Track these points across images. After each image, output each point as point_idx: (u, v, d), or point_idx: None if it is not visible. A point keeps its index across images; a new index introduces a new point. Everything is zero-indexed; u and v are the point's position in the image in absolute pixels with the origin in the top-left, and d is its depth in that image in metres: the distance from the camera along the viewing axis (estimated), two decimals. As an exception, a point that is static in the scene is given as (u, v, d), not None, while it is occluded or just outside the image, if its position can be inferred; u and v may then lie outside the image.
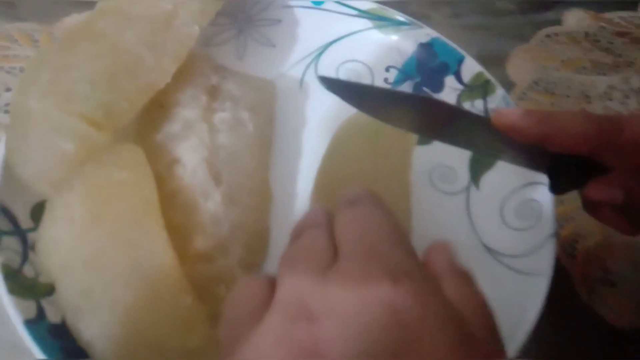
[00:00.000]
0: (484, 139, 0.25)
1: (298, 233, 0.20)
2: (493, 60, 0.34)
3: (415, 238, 0.29)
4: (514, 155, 0.25)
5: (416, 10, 0.43)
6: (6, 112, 0.37)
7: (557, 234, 0.29)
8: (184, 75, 0.28)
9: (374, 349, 0.15)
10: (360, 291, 0.16)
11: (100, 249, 0.23)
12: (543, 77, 0.40)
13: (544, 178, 0.30)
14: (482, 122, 0.24)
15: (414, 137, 0.28)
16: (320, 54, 0.35)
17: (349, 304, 0.15)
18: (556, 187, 0.25)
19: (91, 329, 0.23)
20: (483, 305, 0.18)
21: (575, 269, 0.32)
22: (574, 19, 0.43)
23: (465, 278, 0.19)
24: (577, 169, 0.24)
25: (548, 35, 0.42)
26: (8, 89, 0.37)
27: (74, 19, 0.42)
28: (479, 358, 0.16)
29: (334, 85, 0.27)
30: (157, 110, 0.28)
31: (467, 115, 0.26)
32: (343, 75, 0.35)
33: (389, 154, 0.27)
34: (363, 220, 0.18)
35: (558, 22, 0.43)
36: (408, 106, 0.25)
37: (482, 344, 0.16)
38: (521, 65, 0.40)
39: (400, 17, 0.35)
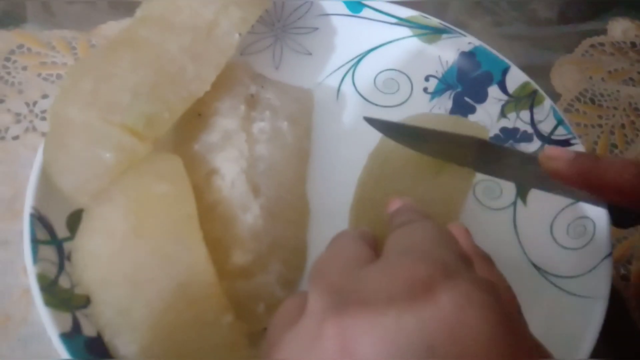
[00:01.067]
0: (537, 176, 0.24)
1: (330, 243, 0.20)
2: (536, 71, 0.33)
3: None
4: (569, 191, 0.24)
5: (454, 18, 0.42)
6: (43, 118, 0.37)
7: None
8: (222, 83, 0.28)
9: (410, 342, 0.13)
10: (397, 280, 0.15)
11: (140, 264, 0.23)
12: (589, 89, 0.39)
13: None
14: (532, 161, 0.24)
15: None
16: (357, 63, 0.34)
17: (382, 292, 0.14)
18: (619, 221, 0.24)
19: (130, 346, 0.22)
20: (509, 288, 0.19)
21: (629, 292, 0.30)
22: (620, 28, 0.42)
23: (489, 261, 0.20)
24: None
25: (593, 46, 0.41)
26: (45, 96, 0.38)
27: (110, 27, 0.42)
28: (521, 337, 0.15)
29: (380, 126, 0.27)
30: (195, 119, 0.28)
31: (519, 154, 0.25)
32: (381, 84, 0.34)
33: (441, 175, 0.26)
34: (411, 230, 0.18)
35: (603, 31, 0.42)
36: (458, 146, 0.25)
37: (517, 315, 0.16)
38: (566, 76, 0.39)
39: (442, 25, 0.34)
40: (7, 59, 0.39)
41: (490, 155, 0.25)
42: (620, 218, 0.24)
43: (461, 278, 0.14)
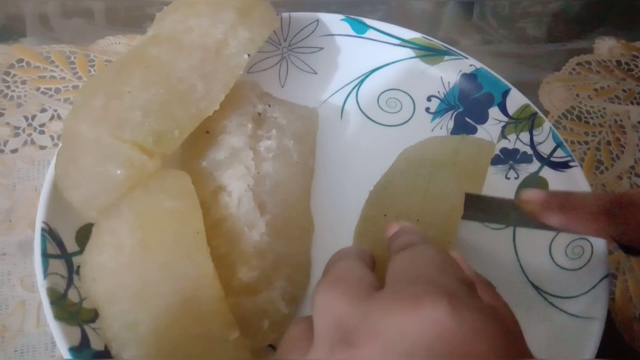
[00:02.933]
0: (522, 219, 0.27)
1: (330, 267, 0.21)
2: (525, 88, 0.35)
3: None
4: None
5: (445, 36, 0.45)
6: (41, 132, 0.39)
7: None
8: (230, 102, 0.30)
9: None
10: (406, 312, 0.15)
11: (148, 279, 0.24)
12: (576, 106, 0.41)
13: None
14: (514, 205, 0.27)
15: (465, 184, 0.29)
16: (361, 82, 0.37)
17: (393, 326, 0.15)
18: (627, 249, 0.25)
19: (136, 360, 0.24)
20: (511, 312, 0.20)
21: (615, 306, 0.33)
22: (606, 47, 0.45)
23: (490, 286, 0.21)
24: None
25: (580, 64, 0.44)
26: (43, 110, 0.40)
27: (108, 42, 0.45)
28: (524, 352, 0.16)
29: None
30: (203, 136, 0.30)
31: (505, 202, 0.28)
32: (384, 103, 0.37)
33: (439, 198, 0.28)
34: (413, 255, 0.19)
35: (590, 50, 0.45)
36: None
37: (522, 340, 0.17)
38: (554, 93, 0.42)
39: (444, 46, 0.36)
40: (7, 73, 0.41)
41: (477, 205, 0.28)
42: (627, 246, 0.25)
43: (466, 309, 0.15)
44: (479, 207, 0.28)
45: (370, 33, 0.37)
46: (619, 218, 0.23)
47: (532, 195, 0.26)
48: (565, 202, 0.25)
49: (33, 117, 0.39)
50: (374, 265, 0.23)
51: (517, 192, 0.27)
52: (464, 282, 0.18)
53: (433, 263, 0.18)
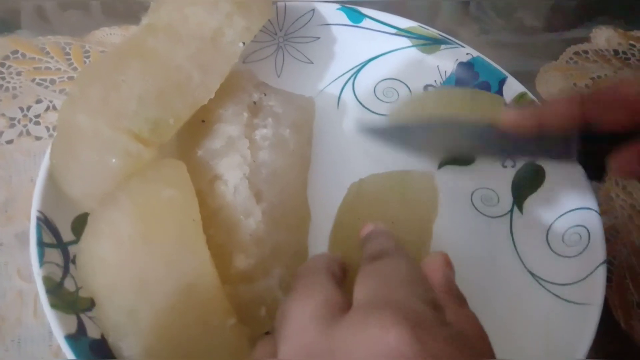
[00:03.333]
0: (507, 145, 0.28)
1: (298, 283, 0.21)
2: (522, 78, 0.35)
3: (455, 264, 0.30)
4: (542, 153, 0.28)
5: (443, 26, 0.45)
6: (37, 123, 0.39)
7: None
8: (226, 91, 0.30)
9: None
10: (370, 343, 0.16)
11: (146, 268, 0.24)
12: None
13: (591, 203, 0.31)
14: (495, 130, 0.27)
15: (438, 189, 0.30)
16: (358, 72, 0.37)
17: (358, 353, 0.16)
18: (593, 174, 0.27)
19: (135, 348, 0.24)
20: (480, 328, 0.20)
21: (612, 294, 0.33)
22: (603, 37, 0.45)
23: (461, 300, 0.21)
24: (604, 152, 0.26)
25: (577, 53, 0.44)
26: (39, 101, 0.40)
27: (104, 33, 0.45)
28: None
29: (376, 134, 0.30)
30: (198, 125, 0.30)
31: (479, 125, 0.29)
32: (380, 93, 0.37)
33: (414, 202, 0.29)
34: (381, 271, 0.19)
35: (587, 39, 0.45)
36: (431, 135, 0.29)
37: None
38: (551, 82, 0.42)
39: (440, 35, 0.36)
40: (2, 65, 0.41)
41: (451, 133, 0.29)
42: (593, 171, 0.27)
43: (431, 339, 0.16)
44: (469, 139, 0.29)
45: (367, 22, 0.37)
46: (587, 104, 0.25)
47: (507, 112, 0.27)
48: (538, 108, 0.27)
49: (28, 108, 0.39)
50: (345, 274, 0.23)
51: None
52: (432, 305, 0.18)
53: (402, 282, 0.18)
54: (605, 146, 0.25)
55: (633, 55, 0.44)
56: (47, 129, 0.38)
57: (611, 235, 0.35)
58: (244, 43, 0.30)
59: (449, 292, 0.21)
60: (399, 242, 0.23)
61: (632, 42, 0.45)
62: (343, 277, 0.23)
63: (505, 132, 0.27)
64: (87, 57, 0.42)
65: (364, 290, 0.19)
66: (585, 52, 0.44)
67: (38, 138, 0.38)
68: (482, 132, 0.28)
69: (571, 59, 0.44)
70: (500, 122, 0.27)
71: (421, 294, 0.18)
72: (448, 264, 0.22)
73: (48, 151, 0.28)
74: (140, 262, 0.24)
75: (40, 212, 0.26)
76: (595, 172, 0.28)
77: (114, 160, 0.26)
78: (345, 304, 0.19)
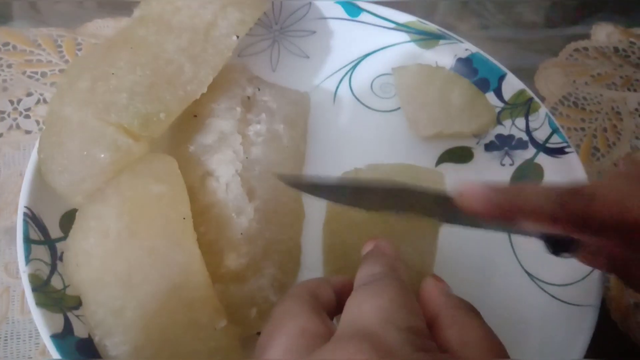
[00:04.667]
0: (453, 214, 0.24)
1: (276, 311, 0.20)
2: (521, 74, 0.35)
3: (454, 265, 0.30)
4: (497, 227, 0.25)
5: (442, 20, 0.44)
6: (27, 116, 0.38)
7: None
8: (219, 85, 0.29)
9: None
10: None
11: (134, 264, 0.24)
12: (573, 92, 0.41)
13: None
14: (449, 202, 0.24)
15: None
16: (354, 67, 0.36)
17: None
18: (552, 250, 0.25)
19: (121, 347, 0.23)
20: (492, 340, 0.19)
21: (610, 295, 0.33)
22: (604, 33, 0.45)
23: (465, 312, 0.20)
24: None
25: (577, 50, 0.44)
26: (29, 94, 0.39)
27: (97, 25, 0.44)
28: None
29: (296, 184, 0.28)
30: (190, 120, 0.29)
31: (433, 194, 0.25)
32: (377, 88, 0.36)
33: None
34: (363, 299, 0.19)
35: (587, 36, 0.45)
36: (376, 198, 0.26)
37: None
38: (551, 79, 0.41)
39: (439, 30, 0.36)
40: (-7, 56, 0.41)
41: (405, 199, 0.26)
42: (555, 247, 0.25)
43: None
44: (408, 202, 0.26)
45: (364, 16, 0.36)
46: (570, 204, 0.21)
47: (470, 190, 0.23)
48: (509, 196, 0.22)
49: (19, 101, 0.39)
50: (342, 289, 0.22)
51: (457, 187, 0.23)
52: (411, 331, 0.17)
53: (380, 310, 0.18)
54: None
55: (633, 52, 0.44)
56: (37, 122, 0.38)
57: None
58: (238, 36, 0.29)
59: (454, 306, 0.20)
60: (397, 262, 0.22)
61: (632, 39, 0.45)
62: (337, 300, 0.22)
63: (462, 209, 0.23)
64: (80, 49, 0.42)
65: (344, 319, 0.19)
66: (586, 48, 0.44)
67: (28, 132, 0.38)
68: (439, 202, 0.25)
69: (571, 55, 0.43)
70: (458, 200, 0.23)
71: (398, 320, 0.18)
72: (438, 279, 0.22)
73: (36, 146, 0.27)
74: (127, 257, 0.24)
75: (27, 207, 0.26)
76: (554, 248, 0.25)
77: (102, 154, 0.26)
78: (327, 334, 0.18)
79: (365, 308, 0.18)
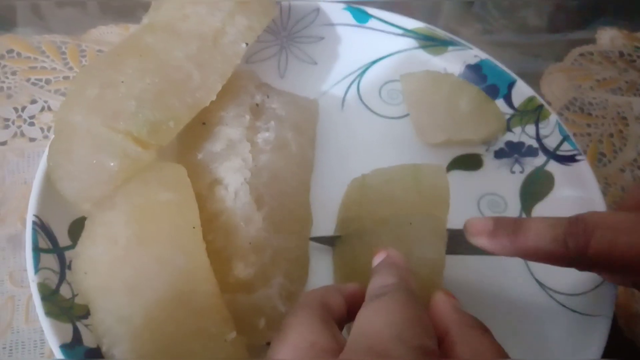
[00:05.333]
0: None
1: (287, 322, 0.20)
2: (526, 79, 0.35)
3: (463, 273, 0.30)
4: None
5: (445, 25, 0.44)
6: (31, 124, 0.38)
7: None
8: (227, 92, 0.30)
9: None
10: None
11: (142, 272, 0.24)
12: (578, 97, 0.41)
13: (601, 210, 0.30)
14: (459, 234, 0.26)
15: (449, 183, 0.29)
16: (362, 73, 0.37)
17: None
18: None
19: (128, 355, 0.23)
20: (499, 355, 0.19)
21: (618, 305, 0.32)
22: (608, 37, 0.45)
23: (476, 330, 0.20)
24: None
25: (582, 54, 0.44)
26: (34, 101, 0.39)
27: (100, 31, 0.44)
28: None
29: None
30: (199, 128, 0.30)
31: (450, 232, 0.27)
32: (386, 95, 0.37)
33: (427, 199, 0.28)
34: (373, 314, 0.19)
35: (592, 40, 0.45)
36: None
37: None
38: (555, 84, 0.42)
39: (448, 37, 0.36)
40: (-4, 64, 0.41)
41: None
42: None
43: None
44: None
45: (372, 22, 0.37)
46: (570, 242, 0.22)
47: (478, 226, 0.24)
48: (513, 232, 0.24)
49: (23, 109, 0.39)
50: (353, 298, 0.23)
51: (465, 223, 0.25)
52: (422, 352, 0.18)
53: (392, 326, 0.18)
54: None
55: (638, 57, 0.44)
56: (42, 129, 0.38)
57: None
58: (247, 44, 0.30)
59: (466, 324, 0.20)
60: (408, 273, 0.22)
61: (637, 44, 0.45)
62: (348, 309, 0.22)
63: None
64: (84, 56, 0.42)
65: (355, 332, 0.19)
66: (590, 53, 0.44)
67: (32, 139, 0.38)
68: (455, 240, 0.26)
69: (576, 60, 0.44)
70: (467, 234, 0.25)
71: (409, 338, 0.18)
72: (448, 295, 0.22)
73: (45, 154, 0.27)
74: (135, 264, 0.24)
75: (36, 216, 0.26)
76: None
77: (111, 162, 0.26)
78: (335, 348, 0.19)
79: (377, 323, 0.18)
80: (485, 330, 0.20)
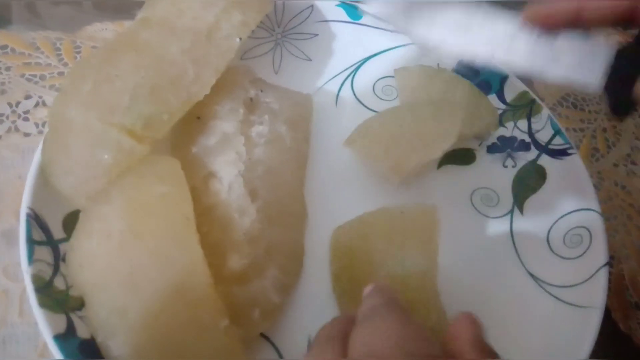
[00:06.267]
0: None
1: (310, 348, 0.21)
2: (520, 75, 0.36)
3: (457, 267, 0.31)
4: (565, 67, 0.26)
5: None
6: (26, 119, 0.39)
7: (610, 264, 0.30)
8: (222, 87, 0.30)
9: None
10: None
11: (137, 265, 0.24)
12: (571, 93, 0.42)
13: (592, 203, 0.31)
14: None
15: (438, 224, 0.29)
16: (357, 69, 0.37)
17: None
18: (616, 109, 0.25)
19: (124, 348, 0.24)
20: None
21: (610, 295, 0.33)
22: (602, 34, 0.46)
23: (492, 356, 0.20)
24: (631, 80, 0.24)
25: None
26: (28, 97, 0.40)
27: (96, 28, 0.45)
28: None
29: None
30: (193, 122, 0.30)
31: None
32: (380, 90, 0.37)
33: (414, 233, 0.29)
34: (371, 336, 0.19)
35: (586, 37, 0.46)
36: None
37: None
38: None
39: (441, 33, 0.37)
40: (-9, 60, 0.41)
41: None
42: (617, 105, 0.25)
43: None
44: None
45: (366, 19, 0.37)
46: None
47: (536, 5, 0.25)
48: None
49: (17, 104, 0.39)
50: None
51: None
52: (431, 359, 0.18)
53: (395, 346, 0.18)
54: (633, 74, 0.24)
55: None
56: (36, 125, 0.38)
57: (610, 235, 0.35)
58: (240, 38, 0.30)
59: (478, 349, 0.20)
60: (394, 297, 0.23)
61: (630, 40, 0.46)
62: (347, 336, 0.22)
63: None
64: (78, 52, 0.42)
65: (350, 354, 0.19)
66: (585, 49, 0.45)
67: (27, 134, 0.38)
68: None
69: (570, 56, 0.44)
70: (526, 15, 0.25)
71: (416, 351, 0.18)
72: (475, 322, 0.21)
73: (39, 147, 0.28)
74: (131, 258, 0.24)
75: (30, 208, 0.27)
76: (620, 104, 0.25)
77: (106, 155, 0.26)
78: None
79: (376, 344, 0.19)
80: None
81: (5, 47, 0.42)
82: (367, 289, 0.24)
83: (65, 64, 0.41)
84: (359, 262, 0.29)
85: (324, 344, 0.21)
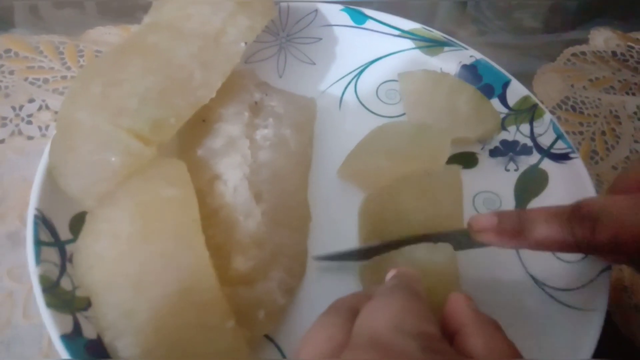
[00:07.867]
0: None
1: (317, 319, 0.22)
2: (520, 78, 0.37)
3: (459, 266, 0.31)
4: None
5: (441, 26, 0.46)
6: (29, 122, 0.40)
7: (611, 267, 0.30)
8: (227, 90, 0.31)
9: None
10: None
11: (145, 267, 0.25)
12: (571, 96, 0.43)
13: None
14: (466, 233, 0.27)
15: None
16: (360, 73, 0.38)
17: None
18: None
19: (132, 349, 0.24)
20: (512, 350, 0.20)
21: (611, 299, 0.34)
22: (601, 38, 0.47)
23: (490, 326, 0.21)
24: None
25: (575, 54, 0.46)
26: (31, 100, 0.41)
27: (99, 32, 0.46)
28: None
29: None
30: (199, 125, 0.31)
31: (453, 234, 0.29)
32: (383, 94, 0.38)
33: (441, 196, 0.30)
34: (375, 309, 0.20)
35: (585, 41, 0.47)
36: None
37: None
38: (549, 83, 0.44)
39: (444, 37, 0.38)
40: (-5, 63, 0.42)
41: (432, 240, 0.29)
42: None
43: None
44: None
45: (370, 23, 0.38)
46: (577, 231, 0.24)
47: (482, 222, 0.26)
48: (518, 224, 0.25)
49: (21, 108, 0.40)
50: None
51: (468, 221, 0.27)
52: (423, 338, 0.19)
53: (391, 318, 0.19)
54: None
55: (631, 56, 0.46)
56: (40, 128, 0.39)
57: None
58: (246, 43, 0.31)
59: (481, 320, 0.21)
60: (415, 279, 0.24)
61: (630, 43, 0.47)
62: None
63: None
64: (81, 56, 0.43)
65: (356, 329, 0.20)
66: (583, 53, 0.46)
67: (30, 137, 0.39)
68: (458, 236, 0.28)
69: (569, 60, 0.46)
70: (471, 233, 0.27)
71: (408, 326, 0.19)
72: (466, 297, 0.23)
73: (47, 149, 0.29)
74: (138, 260, 0.25)
75: (37, 209, 0.27)
76: None
77: (113, 158, 0.27)
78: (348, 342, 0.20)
79: (377, 318, 0.19)
80: (500, 328, 0.21)
81: (8, 50, 0.43)
82: (390, 273, 0.25)
83: (69, 68, 0.42)
84: (390, 223, 0.30)
85: (333, 314, 0.22)
